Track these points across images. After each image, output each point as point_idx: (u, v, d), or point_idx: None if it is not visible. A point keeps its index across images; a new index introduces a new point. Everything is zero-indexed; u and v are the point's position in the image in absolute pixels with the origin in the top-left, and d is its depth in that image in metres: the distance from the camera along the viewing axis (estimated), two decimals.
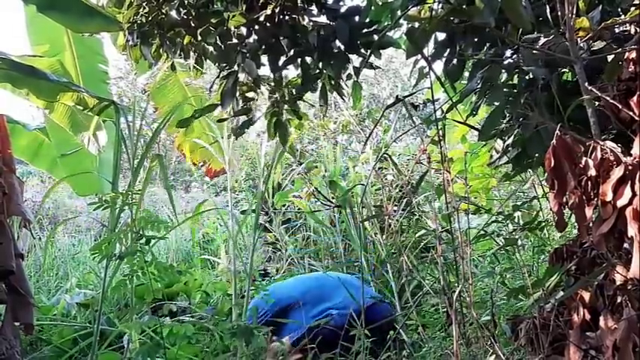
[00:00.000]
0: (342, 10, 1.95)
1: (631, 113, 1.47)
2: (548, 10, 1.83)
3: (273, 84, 2.22)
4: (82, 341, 3.00)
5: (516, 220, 3.07)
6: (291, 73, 2.20)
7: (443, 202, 2.47)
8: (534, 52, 1.77)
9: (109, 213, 2.67)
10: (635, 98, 1.47)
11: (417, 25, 1.84)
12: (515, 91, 1.93)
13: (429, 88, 1.98)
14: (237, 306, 3.13)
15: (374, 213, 4.51)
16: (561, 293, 1.81)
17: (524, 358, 1.98)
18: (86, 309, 3.73)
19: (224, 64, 2.15)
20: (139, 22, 2.16)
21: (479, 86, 1.94)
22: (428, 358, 2.70)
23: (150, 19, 2.13)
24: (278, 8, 1.94)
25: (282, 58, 2.05)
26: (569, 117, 1.65)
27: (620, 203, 1.29)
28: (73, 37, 3.87)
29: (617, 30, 1.82)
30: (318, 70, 2.06)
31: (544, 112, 1.78)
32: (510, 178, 2.44)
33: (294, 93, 2.22)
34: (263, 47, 2.04)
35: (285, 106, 2.25)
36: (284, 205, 5.26)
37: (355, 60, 2.02)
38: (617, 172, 1.31)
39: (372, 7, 2.07)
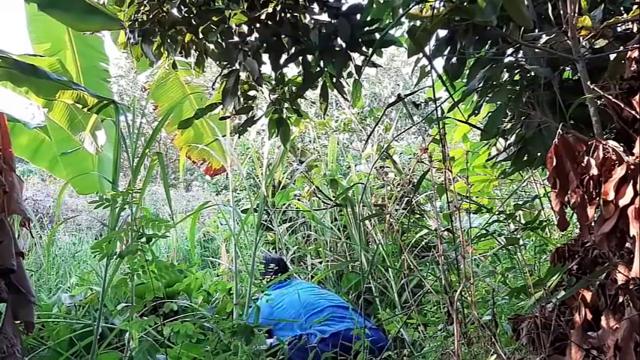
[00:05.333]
0: (344, 8, 1.95)
1: (633, 112, 1.46)
2: (549, 9, 1.82)
3: (274, 82, 2.22)
4: (83, 340, 2.99)
5: (518, 220, 3.06)
6: (292, 71, 2.19)
7: (444, 201, 2.46)
8: (536, 50, 1.76)
9: (110, 212, 2.67)
10: (637, 97, 1.47)
11: (418, 23, 1.84)
12: (517, 89, 1.92)
13: (430, 86, 1.97)
14: (239, 306, 3.13)
15: (375, 212, 4.51)
16: (563, 293, 1.81)
17: (525, 357, 1.98)
18: (84, 308, 3.73)
19: (225, 63, 2.15)
20: (140, 20, 2.16)
21: (480, 85, 1.93)
22: (429, 357, 2.70)
23: (151, 17, 2.13)
24: (279, 6, 1.94)
25: (284, 57, 2.05)
26: (571, 116, 1.65)
27: (622, 203, 1.29)
28: (74, 35, 3.87)
29: (619, 28, 1.81)
30: (319, 69, 2.05)
31: (546, 110, 1.78)
32: (508, 175, 2.44)
33: (295, 91, 2.21)
34: (264, 45, 2.03)
35: (286, 105, 2.25)
36: (284, 204, 5.26)
37: (357, 58, 2.01)
38: (619, 172, 1.30)
39: (374, 5, 2.07)
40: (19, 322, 2.21)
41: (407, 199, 4.43)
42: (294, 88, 2.22)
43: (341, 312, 3.40)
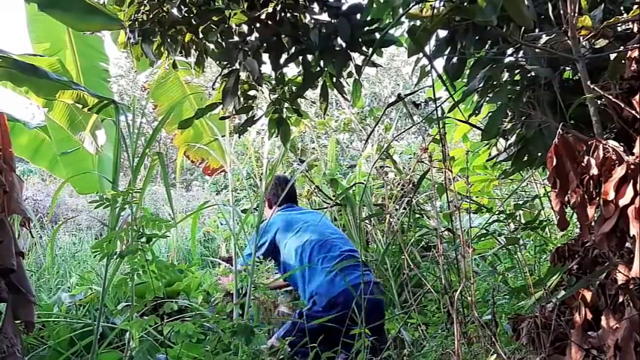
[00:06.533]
0: (344, 7, 1.95)
1: (633, 112, 1.46)
2: (550, 8, 1.82)
3: (274, 82, 2.21)
4: (83, 339, 3.00)
5: (518, 219, 3.06)
6: (292, 71, 2.19)
7: (444, 201, 2.46)
8: (536, 50, 1.76)
9: (110, 211, 2.67)
10: (637, 97, 1.47)
11: (418, 23, 1.84)
12: (518, 89, 1.93)
13: (430, 86, 1.97)
14: (238, 305, 3.13)
15: (374, 211, 4.51)
16: (563, 292, 1.81)
17: (525, 357, 1.98)
18: (84, 307, 3.73)
19: (225, 62, 2.15)
20: (140, 20, 2.16)
21: (480, 85, 1.93)
22: (429, 356, 2.70)
23: (151, 16, 2.13)
24: (279, 6, 1.94)
25: (284, 56, 2.05)
26: (572, 115, 1.65)
27: (622, 202, 1.29)
28: (74, 35, 3.87)
29: (619, 28, 1.81)
30: (319, 68, 2.05)
31: (546, 110, 1.78)
32: (508, 175, 2.45)
33: (295, 91, 2.21)
34: (264, 45, 2.03)
35: (286, 105, 2.25)
36: None
37: (357, 58, 2.01)
38: (619, 171, 1.30)
39: (374, 5, 2.07)
40: (19, 321, 2.20)
41: (407, 199, 4.43)
42: (294, 87, 2.22)
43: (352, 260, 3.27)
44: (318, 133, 5.83)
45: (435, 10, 1.78)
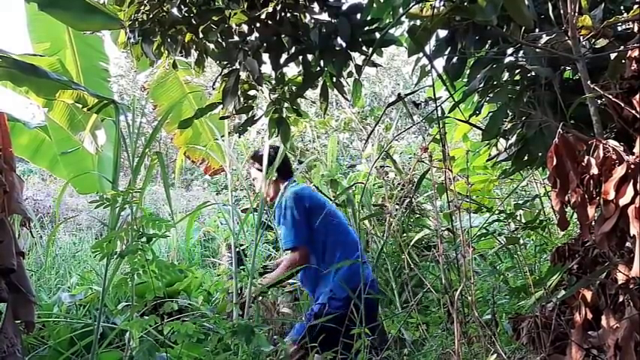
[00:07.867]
0: (344, 7, 1.95)
1: (633, 111, 1.46)
2: (550, 8, 1.82)
3: (274, 82, 2.21)
4: (83, 339, 3.00)
5: (518, 219, 3.06)
6: (292, 70, 2.19)
7: (444, 201, 2.46)
8: (537, 50, 1.76)
9: (110, 211, 2.67)
10: (637, 96, 1.47)
11: (418, 22, 1.84)
12: (518, 89, 1.92)
13: (430, 86, 1.97)
14: (238, 305, 3.13)
15: (374, 211, 4.50)
16: (563, 292, 1.81)
17: (525, 357, 1.98)
18: (84, 307, 3.73)
19: (225, 62, 2.15)
20: (140, 19, 2.16)
21: (481, 85, 1.93)
22: (429, 356, 2.70)
23: (151, 16, 2.13)
24: (279, 6, 1.94)
25: (284, 56, 2.05)
26: (572, 115, 1.65)
27: (622, 202, 1.29)
28: (74, 34, 3.87)
29: (619, 28, 1.81)
30: (319, 68, 2.05)
31: (547, 110, 1.78)
32: (508, 175, 2.44)
33: (295, 91, 2.21)
34: (264, 45, 2.03)
35: (286, 104, 2.25)
36: None
37: (357, 58, 2.01)
38: (620, 171, 1.30)
39: (374, 5, 2.07)
40: (19, 321, 2.20)
41: (407, 198, 4.42)
42: (294, 87, 2.22)
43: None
44: (318, 133, 5.83)
45: (435, 10, 1.78)
